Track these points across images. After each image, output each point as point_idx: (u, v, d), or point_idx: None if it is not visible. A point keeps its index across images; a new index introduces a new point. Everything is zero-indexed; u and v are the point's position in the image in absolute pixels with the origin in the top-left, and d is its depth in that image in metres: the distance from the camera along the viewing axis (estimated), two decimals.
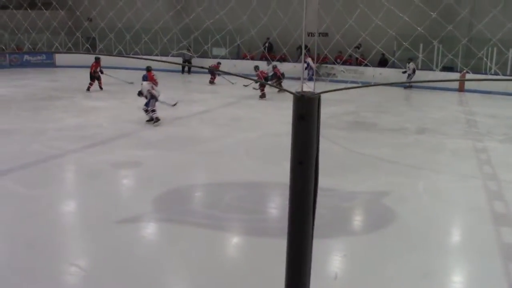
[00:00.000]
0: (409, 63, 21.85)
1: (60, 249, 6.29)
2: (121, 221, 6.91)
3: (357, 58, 23.15)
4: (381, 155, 10.56)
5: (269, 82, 17.92)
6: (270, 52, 24.71)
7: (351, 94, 17.78)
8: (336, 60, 23.09)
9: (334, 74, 23.29)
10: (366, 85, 16.89)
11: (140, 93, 13.61)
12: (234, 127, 13.36)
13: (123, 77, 20.83)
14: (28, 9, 5.55)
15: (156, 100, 13.42)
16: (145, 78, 14.49)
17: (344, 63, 23.42)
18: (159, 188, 8.24)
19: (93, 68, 20.42)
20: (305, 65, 22.81)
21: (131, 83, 18.53)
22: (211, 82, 22.36)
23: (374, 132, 13.14)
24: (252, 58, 24.00)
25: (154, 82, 14.42)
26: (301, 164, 2.03)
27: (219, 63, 22.07)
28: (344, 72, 22.84)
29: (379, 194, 8.17)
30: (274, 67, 19.62)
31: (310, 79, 21.71)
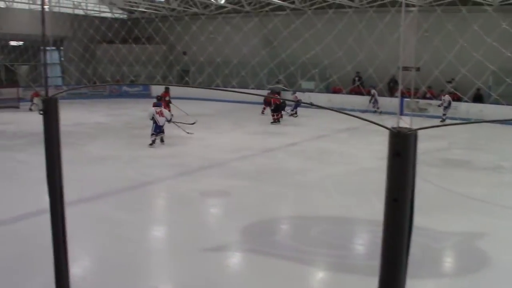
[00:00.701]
0: (444, 95, 21.46)
1: (147, 273, 6.46)
2: (207, 249, 7.01)
3: (450, 93, 22.56)
4: (474, 194, 10.07)
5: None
6: (360, 86, 24.58)
7: (443, 129, 17.18)
8: (425, 96, 22.56)
9: (426, 109, 22.70)
10: (466, 122, 16.24)
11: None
12: (323, 161, 13.28)
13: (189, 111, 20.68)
14: (133, 43, 5.87)
15: (158, 124, 14.38)
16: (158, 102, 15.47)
17: (436, 98, 22.83)
18: (247, 219, 8.31)
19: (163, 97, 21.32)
20: (372, 97, 23.00)
21: (193, 123, 17.80)
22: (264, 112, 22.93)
23: (468, 170, 12.59)
24: (341, 92, 24.03)
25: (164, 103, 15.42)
26: (396, 201, 1.99)
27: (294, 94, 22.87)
28: (439, 107, 22.22)
29: (472, 236, 7.78)
30: (292, 93, 20.52)
31: (374, 111, 22.36)
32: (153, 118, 14.50)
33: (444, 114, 21.60)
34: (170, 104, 21.30)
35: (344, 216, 8.65)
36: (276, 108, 20.25)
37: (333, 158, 13.73)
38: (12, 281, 6.00)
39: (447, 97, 21.47)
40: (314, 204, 9.37)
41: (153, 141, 14.57)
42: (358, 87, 24.04)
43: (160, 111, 14.97)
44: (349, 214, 8.72)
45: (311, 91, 24.92)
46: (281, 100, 20.50)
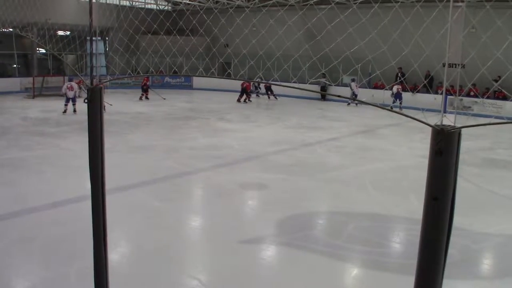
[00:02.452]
0: (392, 87, 22.67)
1: (183, 262, 6.55)
2: (243, 241, 7.05)
3: (495, 92, 22.12)
4: None
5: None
6: (403, 82, 24.28)
7: (487, 129, 16.77)
8: (469, 94, 22.10)
9: (470, 107, 22.23)
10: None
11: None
12: (362, 157, 13.15)
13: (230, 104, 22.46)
14: (177, 35, 5.93)
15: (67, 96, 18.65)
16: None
17: (482, 96, 22.35)
18: (283, 212, 8.31)
19: (144, 81, 26.27)
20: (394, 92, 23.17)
21: (164, 99, 24.34)
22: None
23: (511, 171, 12.27)
24: (382, 87, 23.81)
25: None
26: (436, 200, 1.95)
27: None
28: (486, 105, 21.82)
29: None
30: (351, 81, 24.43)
31: (395, 107, 22.64)
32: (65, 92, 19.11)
33: (397, 104, 22.72)
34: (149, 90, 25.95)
35: (381, 213, 8.55)
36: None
37: (372, 154, 13.58)
38: (51, 263, 6.17)
39: (394, 88, 22.71)
40: (351, 200, 9.30)
41: (65, 111, 19.15)
42: (401, 83, 23.72)
43: (71, 86, 19.36)
44: (386, 212, 8.62)
45: (352, 86, 24.82)
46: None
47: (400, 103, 23.36)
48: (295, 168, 11.57)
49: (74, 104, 19.53)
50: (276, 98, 27.14)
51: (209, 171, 11.18)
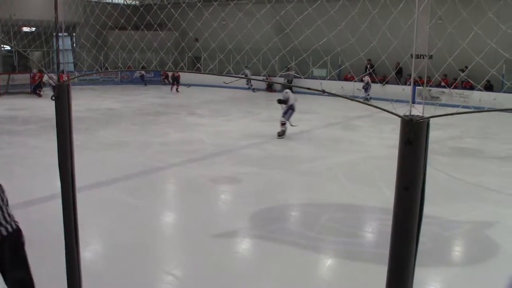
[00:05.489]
0: (364, 77, 24.07)
1: (158, 257, 6.51)
2: (217, 235, 7.05)
3: (462, 82, 22.62)
4: (486, 183, 10.02)
5: None
6: (372, 74, 24.59)
7: (455, 118, 17.06)
8: (440, 84, 22.44)
9: (438, 98, 22.60)
10: (480, 110, 16.10)
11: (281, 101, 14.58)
12: (334, 149, 13.26)
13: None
14: (145, 30, 5.88)
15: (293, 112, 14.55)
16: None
17: (450, 86, 22.74)
18: (256, 205, 8.33)
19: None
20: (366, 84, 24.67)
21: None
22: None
23: (480, 159, 12.50)
24: (352, 80, 24.10)
25: None
26: (407, 189, 1.98)
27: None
28: (454, 95, 22.29)
29: (482, 225, 7.73)
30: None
31: (365, 99, 23.67)
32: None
33: (368, 95, 23.96)
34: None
35: (353, 204, 8.65)
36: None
37: (343, 145, 13.71)
38: None
39: (366, 78, 24.02)
40: (324, 191, 9.38)
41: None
42: (370, 75, 24.02)
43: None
44: (358, 202, 8.72)
45: (323, 78, 24.88)
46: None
47: (368, 94, 23.79)
48: (267, 161, 11.60)
49: None
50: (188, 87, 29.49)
51: (181, 166, 11.13)
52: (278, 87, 27.42)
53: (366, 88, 24.78)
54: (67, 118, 2.18)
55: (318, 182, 9.97)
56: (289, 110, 14.36)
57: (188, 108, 20.89)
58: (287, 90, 14.76)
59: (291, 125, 14.46)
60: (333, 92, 2.39)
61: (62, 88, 2.14)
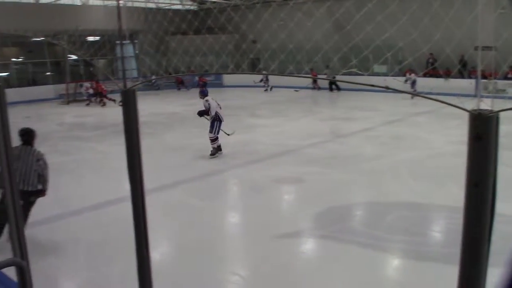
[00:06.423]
0: (410, 73, 23.48)
1: (223, 258, 6.59)
2: (281, 236, 7.06)
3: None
4: None
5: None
6: (434, 68, 23.94)
7: None
8: (506, 76, 21.60)
9: (505, 90, 21.75)
10: None
11: (203, 113, 12.51)
12: (398, 146, 13.00)
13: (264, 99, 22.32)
14: (206, 34, 5.97)
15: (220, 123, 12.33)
16: (205, 92, 12.81)
17: None
18: (320, 205, 8.29)
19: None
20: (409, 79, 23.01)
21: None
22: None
23: None
24: (411, 74, 23.60)
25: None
26: (477, 186, 1.92)
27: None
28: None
29: None
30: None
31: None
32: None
33: (414, 91, 22.74)
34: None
35: (420, 202, 8.44)
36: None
37: (406, 142, 13.41)
38: (93, 266, 6.30)
39: (412, 76, 23.22)
40: (389, 190, 9.21)
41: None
42: (433, 69, 23.40)
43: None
44: (425, 200, 8.50)
45: (385, 75, 24.49)
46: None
47: (415, 90, 23.22)
48: (330, 160, 11.51)
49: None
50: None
51: (243, 167, 11.23)
52: (342, 85, 27.19)
53: (412, 84, 23.83)
54: (134, 123, 2.25)
55: (382, 181, 9.80)
56: (215, 121, 12.20)
57: (249, 109, 21.03)
58: (207, 98, 12.43)
59: (227, 134, 12.85)
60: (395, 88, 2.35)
61: (129, 94, 2.20)
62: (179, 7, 33.23)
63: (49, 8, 27.75)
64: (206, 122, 12.14)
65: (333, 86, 27.86)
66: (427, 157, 11.59)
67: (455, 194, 7.93)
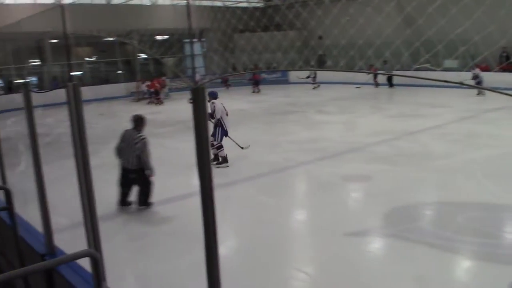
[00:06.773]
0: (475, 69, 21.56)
1: (290, 255, 6.61)
2: (349, 234, 6.99)
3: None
4: None
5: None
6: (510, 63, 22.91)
7: None
8: None
9: None
10: None
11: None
12: (469, 144, 12.57)
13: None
14: (275, 31, 5.99)
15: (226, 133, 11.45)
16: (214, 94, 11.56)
17: None
18: (388, 204, 8.15)
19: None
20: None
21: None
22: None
23: None
24: (487, 70, 22.65)
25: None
26: None
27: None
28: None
29: None
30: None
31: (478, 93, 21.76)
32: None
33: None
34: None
35: (493, 203, 8.13)
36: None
37: (479, 140, 12.93)
38: (164, 258, 6.47)
39: (477, 70, 21.52)
40: (460, 189, 8.91)
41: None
42: (508, 64, 22.41)
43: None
44: (498, 201, 8.18)
45: (456, 70, 23.71)
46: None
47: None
48: (399, 158, 11.29)
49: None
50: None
51: (311, 164, 11.20)
52: (411, 81, 26.49)
53: (478, 81, 21.90)
54: (204, 120, 2.30)
55: (453, 180, 9.49)
56: (217, 127, 11.18)
57: (316, 106, 20.94)
58: (214, 101, 11.26)
59: (241, 148, 11.89)
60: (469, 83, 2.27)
61: (198, 91, 2.25)
62: (245, 4, 33.44)
63: (119, 9, 28.66)
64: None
65: (391, 82, 27.23)
66: (502, 155, 11.13)
67: None
